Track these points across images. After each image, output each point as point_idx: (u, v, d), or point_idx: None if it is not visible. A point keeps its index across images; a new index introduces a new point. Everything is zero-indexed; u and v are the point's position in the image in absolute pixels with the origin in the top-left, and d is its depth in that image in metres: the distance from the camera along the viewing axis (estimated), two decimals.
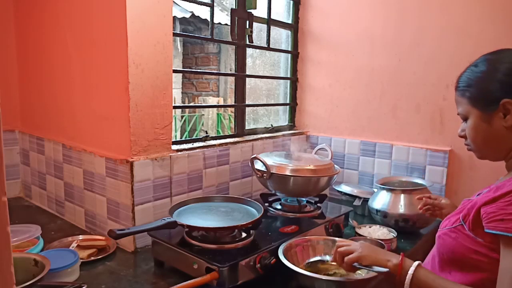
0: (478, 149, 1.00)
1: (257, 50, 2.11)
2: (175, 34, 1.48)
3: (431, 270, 0.98)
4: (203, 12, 5.80)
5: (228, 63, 6.96)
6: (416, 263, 0.93)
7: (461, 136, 1.04)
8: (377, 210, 1.60)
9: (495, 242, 0.85)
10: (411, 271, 0.91)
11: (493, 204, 0.85)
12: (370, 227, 1.50)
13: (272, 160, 1.51)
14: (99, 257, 1.27)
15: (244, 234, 1.24)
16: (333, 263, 1.15)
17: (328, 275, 1.12)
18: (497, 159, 0.99)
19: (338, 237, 1.29)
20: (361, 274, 1.11)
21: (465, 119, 0.99)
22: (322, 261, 1.21)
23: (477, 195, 0.96)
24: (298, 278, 1.08)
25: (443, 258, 0.98)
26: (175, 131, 5.65)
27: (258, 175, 1.50)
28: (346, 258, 0.99)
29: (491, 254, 0.86)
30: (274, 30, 2.06)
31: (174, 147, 1.50)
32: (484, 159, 1.02)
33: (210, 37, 1.71)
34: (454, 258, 0.95)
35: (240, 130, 1.91)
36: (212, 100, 6.55)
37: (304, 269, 1.07)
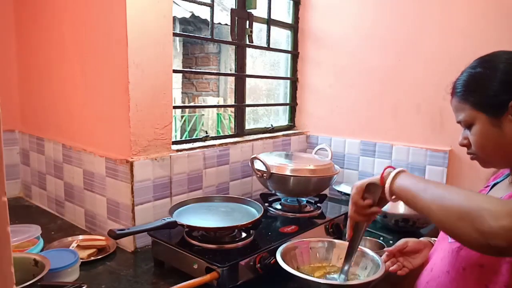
0: (487, 156, 0.91)
1: (257, 50, 2.11)
2: (175, 34, 1.48)
3: None
4: (203, 12, 5.80)
5: (228, 63, 6.97)
6: (399, 169, 0.91)
7: (463, 145, 0.95)
8: None
9: None
10: (391, 176, 0.90)
11: None
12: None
13: (272, 160, 1.51)
14: (99, 257, 1.27)
15: (244, 234, 1.24)
16: (332, 265, 1.15)
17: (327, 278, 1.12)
18: (506, 166, 0.94)
19: (338, 237, 1.29)
20: (360, 276, 1.10)
21: (468, 126, 0.91)
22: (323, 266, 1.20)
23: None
24: (296, 280, 1.07)
25: (466, 274, 0.88)
26: (175, 131, 5.65)
27: (258, 175, 1.50)
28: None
29: None
30: (274, 30, 2.06)
31: (174, 147, 1.50)
32: (489, 167, 0.97)
33: (210, 37, 1.71)
34: (482, 271, 0.86)
35: (240, 130, 1.91)
36: (212, 100, 6.56)
37: (304, 272, 1.06)
